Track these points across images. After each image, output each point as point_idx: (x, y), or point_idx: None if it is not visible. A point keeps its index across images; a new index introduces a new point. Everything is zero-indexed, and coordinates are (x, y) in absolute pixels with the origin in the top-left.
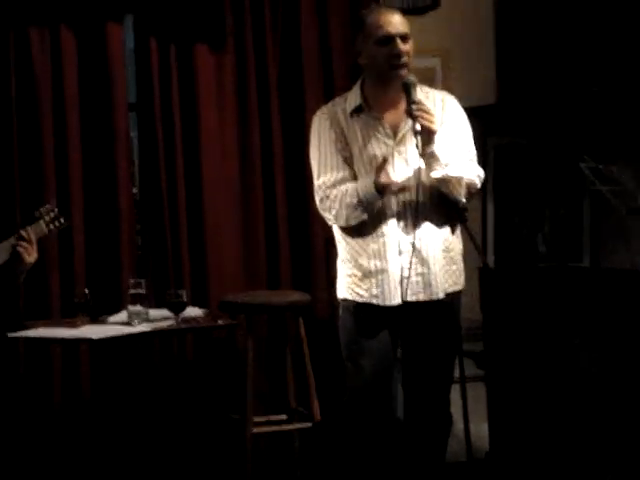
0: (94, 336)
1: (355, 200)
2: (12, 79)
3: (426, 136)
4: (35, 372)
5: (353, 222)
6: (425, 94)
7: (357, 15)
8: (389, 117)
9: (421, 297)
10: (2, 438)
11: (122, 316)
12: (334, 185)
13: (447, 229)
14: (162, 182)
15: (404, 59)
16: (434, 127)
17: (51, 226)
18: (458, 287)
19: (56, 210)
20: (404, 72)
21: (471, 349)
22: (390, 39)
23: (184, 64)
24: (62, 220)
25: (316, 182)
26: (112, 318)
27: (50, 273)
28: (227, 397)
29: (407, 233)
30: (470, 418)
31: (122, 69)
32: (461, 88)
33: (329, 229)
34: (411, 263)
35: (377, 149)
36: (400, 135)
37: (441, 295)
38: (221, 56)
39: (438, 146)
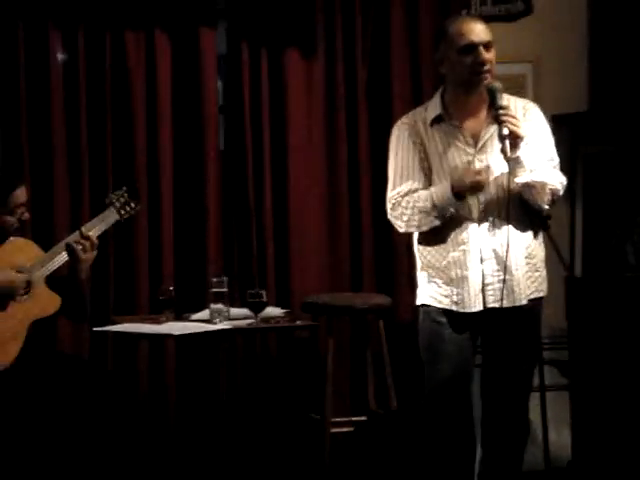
0: (175, 332)
1: (429, 205)
2: (107, 78)
3: (512, 141)
4: (123, 366)
5: (425, 228)
6: (507, 101)
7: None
8: (469, 125)
9: (504, 304)
10: (90, 429)
11: (205, 314)
12: (407, 194)
13: (530, 236)
14: (249, 184)
15: (487, 67)
16: (521, 132)
17: (122, 211)
18: (541, 294)
19: (126, 195)
20: (488, 79)
21: (554, 357)
22: (473, 47)
23: (274, 69)
24: (133, 204)
25: (390, 192)
26: (195, 315)
27: (139, 270)
28: (308, 397)
29: (489, 240)
30: (552, 426)
31: (213, 73)
32: (552, 95)
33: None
34: (493, 270)
35: (457, 158)
36: (481, 143)
37: (524, 302)
38: (311, 61)
39: (522, 152)
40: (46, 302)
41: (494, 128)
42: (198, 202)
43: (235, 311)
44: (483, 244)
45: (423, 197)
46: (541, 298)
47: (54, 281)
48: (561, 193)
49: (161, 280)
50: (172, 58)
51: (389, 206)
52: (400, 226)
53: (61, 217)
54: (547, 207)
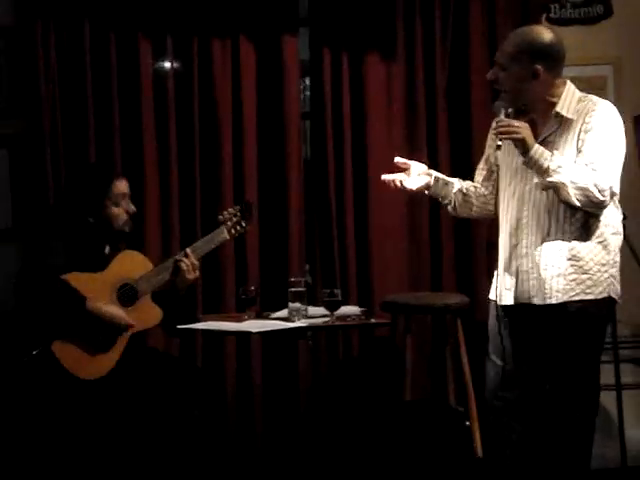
0: (253, 329)
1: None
2: (195, 86)
3: (516, 145)
4: (211, 363)
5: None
6: (578, 100)
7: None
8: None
9: (535, 301)
10: (181, 425)
11: (284, 312)
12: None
13: (576, 237)
14: (330, 186)
15: (496, 85)
16: (516, 135)
17: (232, 231)
18: (589, 296)
19: (239, 214)
20: (501, 97)
21: (636, 356)
22: (493, 64)
23: (355, 73)
24: (244, 224)
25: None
26: (275, 314)
27: (225, 270)
28: (389, 394)
29: (526, 238)
30: (629, 424)
31: (296, 78)
32: (633, 96)
33: (491, 232)
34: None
35: (507, 157)
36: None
37: (553, 300)
38: (391, 64)
39: (540, 152)
40: (148, 315)
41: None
42: (282, 206)
43: (313, 309)
44: (520, 242)
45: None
46: (592, 300)
47: (158, 295)
48: (597, 195)
49: (247, 281)
50: (256, 65)
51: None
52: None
53: (151, 227)
54: (578, 204)
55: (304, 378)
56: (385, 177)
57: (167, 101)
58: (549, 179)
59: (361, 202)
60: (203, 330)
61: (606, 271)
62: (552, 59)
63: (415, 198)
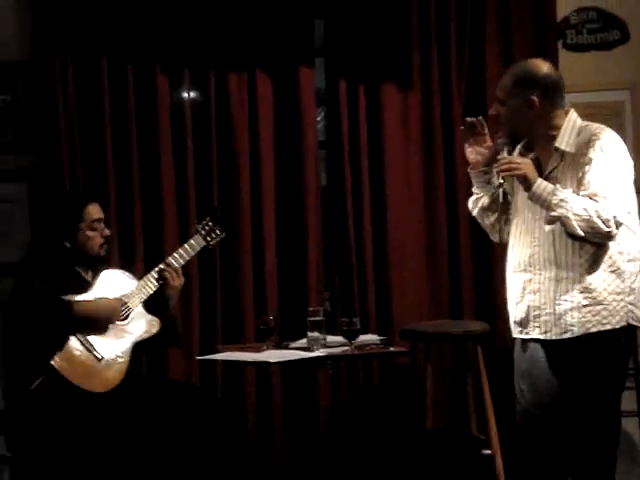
0: (271, 359)
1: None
2: (212, 118)
3: (519, 181)
4: (231, 394)
5: None
6: (578, 131)
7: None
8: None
9: (549, 336)
10: (202, 453)
11: (303, 342)
12: None
13: (586, 269)
14: (348, 215)
15: (499, 120)
16: (517, 172)
17: (208, 238)
18: (606, 327)
19: (210, 223)
20: (502, 131)
21: None
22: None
23: (372, 102)
24: (218, 231)
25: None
26: (294, 344)
27: (244, 300)
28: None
29: (536, 275)
30: None
31: (313, 109)
32: None
33: None
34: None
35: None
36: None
37: (569, 335)
38: (407, 93)
39: (544, 186)
40: (146, 324)
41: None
42: (300, 234)
43: (332, 338)
44: (533, 277)
45: None
46: (611, 330)
47: (152, 305)
48: (600, 226)
49: (265, 310)
50: (273, 95)
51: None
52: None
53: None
54: (582, 234)
55: (324, 407)
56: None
57: (185, 133)
58: (553, 213)
59: (379, 230)
60: (223, 361)
61: (622, 300)
62: (548, 89)
63: (434, 226)
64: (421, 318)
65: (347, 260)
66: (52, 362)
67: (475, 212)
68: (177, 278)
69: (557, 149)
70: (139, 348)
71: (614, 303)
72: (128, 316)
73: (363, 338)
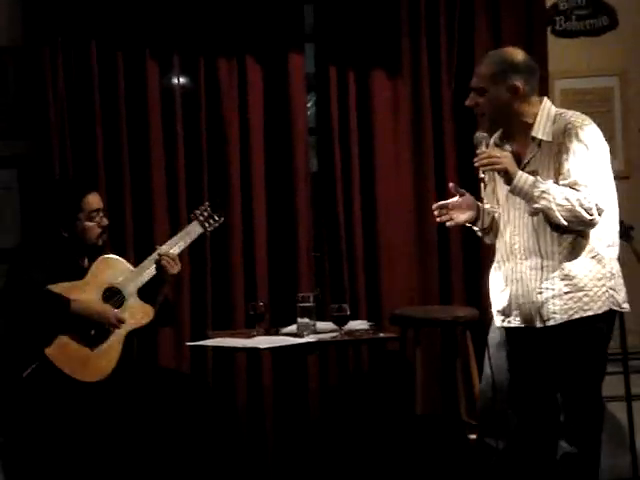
0: (261, 345)
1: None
2: (202, 103)
3: (500, 175)
4: (222, 380)
5: None
6: (556, 121)
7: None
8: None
9: (534, 324)
10: (192, 439)
11: (293, 328)
12: None
13: (566, 255)
14: (338, 201)
15: (476, 110)
16: (498, 166)
17: (206, 224)
18: (588, 313)
19: (209, 209)
20: (483, 123)
21: None
22: (469, 91)
23: (361, 88)
24: (216, 217)
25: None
26: (284, 330)
27: (234, 286)
28: (398, 409)
29: (518, 265)
30: None
31: (303, 95)
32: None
33: None
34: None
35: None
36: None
37: (552, 322)
38: (397, 79)
39: (524, 179)
40: (140, 313)
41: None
42: (290, 220)
43: (321, 325)
44: (515, 267)
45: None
46: (593, 316)
47: (146, 292)
48: (583, 214)
49: (255, 296)
50: (263, 81)
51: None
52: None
53: (161, 241)
54: (565, 223)
55: (314, 393)
56: (438, 205)
57: (174, 118)
58: (535, 205)
59: (369, 216)
60: (213, 347)
61: (603, 285)
62: (528, 74)
63: (423, 212)
64: (411, 304)
65: (337, 246)
66: (45, 350)
67: (493, 240)
68: (175, 266)
69: (534, 138)
70: (132, 337)
71: (595, 289)
72: (122, 304)
73: (353, 324)
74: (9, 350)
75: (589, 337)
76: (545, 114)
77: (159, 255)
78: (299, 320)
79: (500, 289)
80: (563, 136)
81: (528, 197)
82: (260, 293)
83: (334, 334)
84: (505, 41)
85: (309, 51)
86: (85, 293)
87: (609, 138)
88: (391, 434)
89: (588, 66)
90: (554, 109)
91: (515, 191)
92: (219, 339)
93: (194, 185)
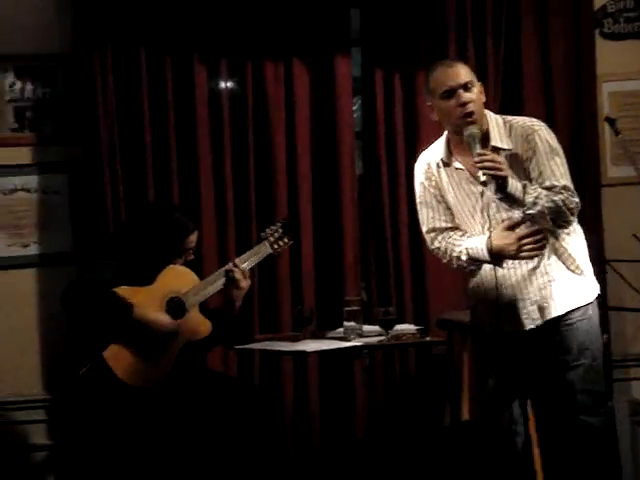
0: (307, 349)
1: (465, 258)
2: (249, 107)
3: (496, 182)
4: (269, 383)
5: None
6: (508, 128)
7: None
8: (472, 165)
9: (535, 323)
10: (240, 444)
11: (340, 331)
12: (437, 232)
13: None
14: (384, 204)
15: (469, 108)
16: (500, 173)
17: (275, 246)
18: (590, 298)
19: (280, 231)
20: (468, 129)
21: None
22: (453, 91)
23: (407, 91)
24: (286, 240)
25: (423, 229)
26: (331, 333)
27: (281, 290)
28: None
29: (508, 269)
30: None
31: (349, 99)
32: None
33: None
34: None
35: (467, 199)
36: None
37: (554, 315)
38: None
39: (514, 187)
40: (198, 326)
41: None
42: (336, 224)
43: (368, 328)
44: (504, 273)
45: (457, 248)
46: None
47: (207, 309)
48: (569, 216)
49: (302, 300)
50: (309, 86)
51: (428, 244)
52: (440, 258)
53: (207, 243)
54: (550, 224)
55: (361, 397)
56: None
57: (222, 122)
58: (529, 212)
59: (415, 219)
60: (260, 350)
61: (573, 280)
62: None
63: None
64: (458, 308)
65: (383, 249)
66: (104, 353)
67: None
68: (245, 280)
69: (495, 148)
70: (188, 349)
71: (590, 271)
72: (183, 315)
73: (399, 328)
74: (69, 347)
75: (590, 324)
76: (494, 123)
77: (233, 266)
78: (345, 324)
79: (493, 297)
80: (527, 142)
81: (519, 203)
82: (307, 296)
83: (380, 338)
84: (552, 43)
85: (355, 55)
86: (149, 299)
87: None
88: (437, 440)
89: (636, 68)
90: (499, 117)
91: (505, 198)
92: (266, 342)
93: (241, 188)
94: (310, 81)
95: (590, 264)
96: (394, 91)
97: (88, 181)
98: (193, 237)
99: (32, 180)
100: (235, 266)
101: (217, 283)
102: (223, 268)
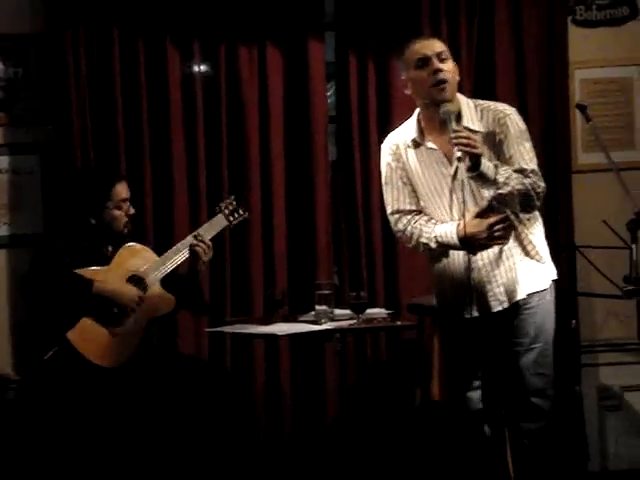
0: (279, 332)
1: (434, 246)
2: (222, 90)
3: (470, 159)
4: (240, 366)
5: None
6: (479, 112)
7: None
8: (444, 145)
9: (502, 305)
10: (210, 426)
11: (311, 315)
12: (401, 214)
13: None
14: (357, 189)
15: (443, 75)
16: (475, 150)
17: (231, 218)
18: (550, 280)
19: (234, 203)
20: (446, 92)
21: None
22: (427, 60)
23: (381, 76)
24: (241, 211)
25: (388, 210)
26: (302, 317)
27: (253, 273)
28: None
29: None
30: None
31: (323, 83)
32: None
33: None
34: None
35: (436, 180)
36: (455, 162)
37: (520, 297)
38: None
39: (487, 167)
40: (160, 303)
41: None
42: (309, 208)
43: (339, 312)
44: (470, 257)
45: (426, 234)
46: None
47: (169, 281)
48: (535, 200)
49: (274, 283)
50: (283, 69)
51: (392, 227)
52: (403, 242)
53: (180, 224)
54: (521, 211)
55: (332, 379)
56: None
57: (195, 104)
58: (500, 191)
59: None
60: (232, 333)
61: (529, 265)
62: None
63: None
64: (428, 292)
65: (356, 234)
66: (67, 334)
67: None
68: (208, 252)
69: (467, 129)
70: (152, 324)
71: (548, 256)
72: (145, 292)
73: (371, 312)
74: (31, 333)
75: (548, 306)
76: (466, 105)
77: (195, 239)
78: (317, 307)
79: (460, 281)
80: (498, 125)
81: (490, 183)
82: (279, 280)
83: (352, 321)
84: (525, 29)
85: (329, 39)
86: (108, 279)
87: (629, 128)
88: (407, 420)
89: (608, 56)
90: (470, 100)
91: (477, 177)
92: (237, 325)
93: (214, 172)
94: (284, 65)
95: (548, 250)
96: (368, 76)
97: (60, 162)
98: (120, 187)
99: (3, 161)
100: (197, 239)
101: (176, 257)
102: (181, 242)
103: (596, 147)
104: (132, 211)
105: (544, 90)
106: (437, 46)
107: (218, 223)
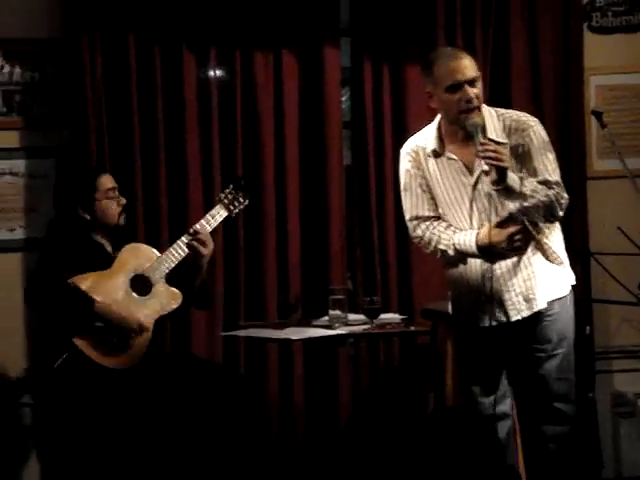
0: (293, 336)
1: (452, 253)
2: (237, 96)
3: (497, 173)
4: (253, 369)
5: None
6: (502, 121)
7: (428, 57)
8: (465, 156)
9: (523, 315)
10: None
11: (325, 319)
12: (420, 220)
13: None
14: (371, 194)
15: (474, 103)
16: (503, 164)
17: (231, 207)
18: (569, 288)
19: (234, 191)
20: (469, 119)
21: None
22: (459, 86)
23: (396, 82)
24: (240, 199)
25: (406, 216)
26: (316, 321)
27: (267, 278)
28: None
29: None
30: None
31: (338, 89)
32: None
33: None
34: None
35: (456, 190)
36: (477, 173)
37: (541, 306)
38: None
39: (512, 179)
40: (168, 298)
41: None
42: (323, 213)
43: (353, 317)
44: (488, 267)
45: (445, 242)
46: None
47: (174, 278)
48: (559, 212)
49: (288, 288)
50: (298, 75)
51: (411, 233)
52: (421, 247)
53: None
54: (544, 221)
55: (345, 385)
56: None
57: (210, 110)
58: (525, 204)
59: (401, 209)
60: (246, 337)
61: (549, 274)
62: None
63: None
64: (442, 297)
65: (369, 239)
66: (74, 340)
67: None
68: (206, 246)
69: (491, 140)
70: (162, 322)
71: (567, 262)
72: (151, 291)
73: (384, 317)
74: (40, 341)
75: (568, 313)
76: (488, 115)
77: (190, 235)
78: (331, 312)
79: (478, 290)
80: (521, 136)
81: (515, 196)
82: (292, 285)
83: (365, 326)
84: (541, 36)
85: (344, 45)
86: (113, 285)
87: None
88: (420, 426)
89: (624, 62)
90: (492, 109)
91: (503, 190)
92: (251, 330)
93: (229, 176)
94: (299, 71)
95: (567, 255)
96: (383, 82)
97: (75, 166)
98: (105, 179)
99: (19, 164)
100: (195, 234)
101: (178, 252)
102: (183, 237)
103: (611, 153)
104: (123, 201)
105: (559, 96)
106: (469, 70)
107: (218, 213)
